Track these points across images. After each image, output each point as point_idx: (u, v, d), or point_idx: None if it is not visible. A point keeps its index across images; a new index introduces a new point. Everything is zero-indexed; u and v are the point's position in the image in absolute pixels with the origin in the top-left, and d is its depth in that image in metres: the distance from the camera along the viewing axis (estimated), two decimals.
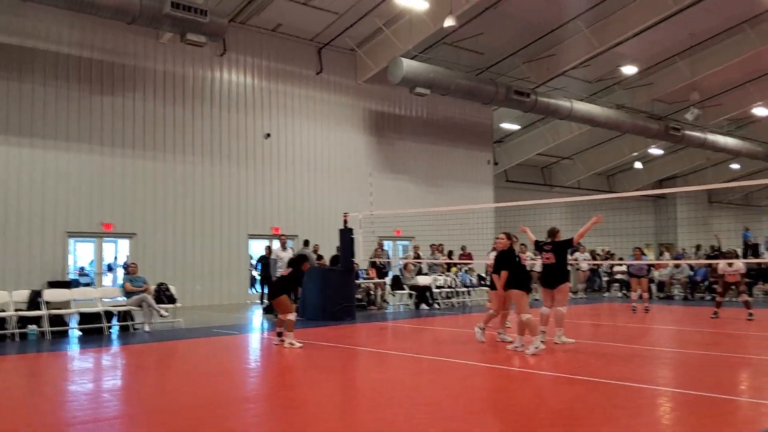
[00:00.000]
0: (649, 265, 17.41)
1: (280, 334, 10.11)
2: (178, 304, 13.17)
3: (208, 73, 18.96)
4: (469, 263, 19.16)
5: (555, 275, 9.84)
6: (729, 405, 6.09)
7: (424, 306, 16.78)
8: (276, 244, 16.44)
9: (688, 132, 26.88)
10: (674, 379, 7.58)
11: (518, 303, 9.16)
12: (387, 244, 22.08)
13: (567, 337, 9.99)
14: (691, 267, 20.14)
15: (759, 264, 18.70)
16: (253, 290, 20.47)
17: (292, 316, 9.89)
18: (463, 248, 20.00)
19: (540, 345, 8.92)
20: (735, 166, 36.79)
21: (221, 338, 11.27)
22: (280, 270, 13.56)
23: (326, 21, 19.48)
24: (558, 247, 9.85)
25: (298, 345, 9.72)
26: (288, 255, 14.15)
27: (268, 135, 19.89)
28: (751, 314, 13.44)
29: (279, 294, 10.18)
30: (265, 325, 13.40)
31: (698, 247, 25.53)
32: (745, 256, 19.73)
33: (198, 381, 7.52)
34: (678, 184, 36.69)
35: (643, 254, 16.74)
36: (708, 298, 19.10)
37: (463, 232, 17.74)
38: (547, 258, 9.84)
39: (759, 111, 28.86)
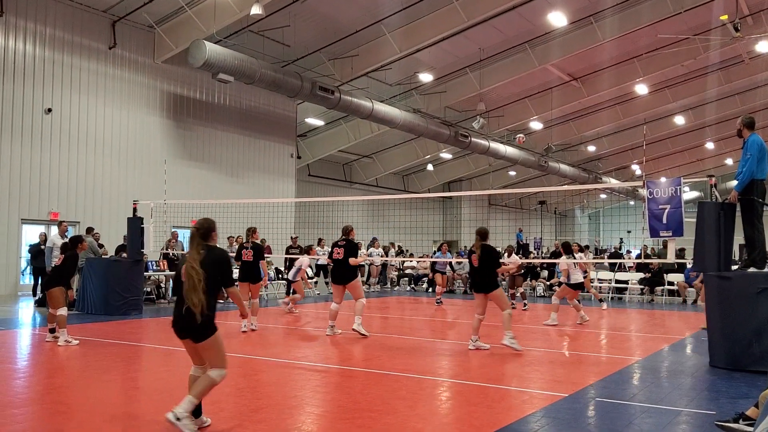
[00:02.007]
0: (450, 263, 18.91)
1: (53, 330, 9.26)
2: None
3: None
4: (268, 257, 19.00)
5: (346, 271, 10.24)
6: (497, 393, 6.72)
7: None
8: (54, 231, 14.97)
9: (474, 139, 29.16)
10: (451, 369, 8.19)
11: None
12: (182, 235, 21.13)
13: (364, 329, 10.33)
14: None
15: (529, 262, 20.94)
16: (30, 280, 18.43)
17: (63, 311, 9.09)
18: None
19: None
20: (512, 172, 40.66)
21: None
22: (56, 259, 12.39)
23: None
24: (350, 245, 10.27)
25: (75, 342, 8.99)
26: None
27: (50, 110, 18.03)
28: (525, 304, 15.78)
29: (52, 285, 9.33)
30: (37, 319, 12.17)
31: None
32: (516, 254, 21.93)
33: None
34: (463, 186, 39.69)
35: (448, 251, 18.12)
36: None
37: (263, 225, 17.58)
38: (338, 253, 10.20)
39: (534, 124, 32.25)
